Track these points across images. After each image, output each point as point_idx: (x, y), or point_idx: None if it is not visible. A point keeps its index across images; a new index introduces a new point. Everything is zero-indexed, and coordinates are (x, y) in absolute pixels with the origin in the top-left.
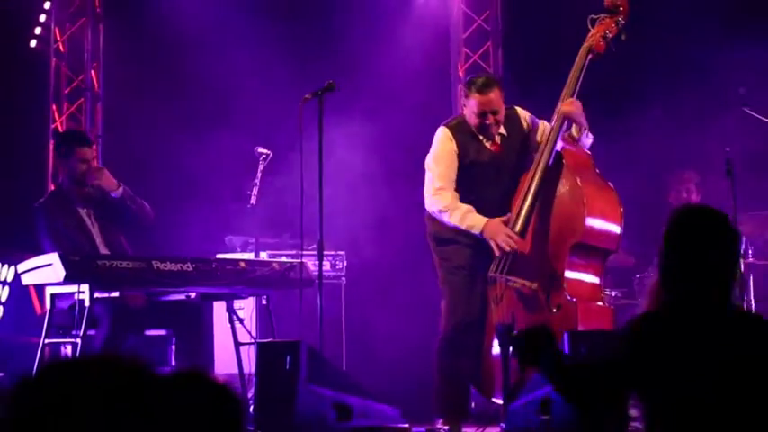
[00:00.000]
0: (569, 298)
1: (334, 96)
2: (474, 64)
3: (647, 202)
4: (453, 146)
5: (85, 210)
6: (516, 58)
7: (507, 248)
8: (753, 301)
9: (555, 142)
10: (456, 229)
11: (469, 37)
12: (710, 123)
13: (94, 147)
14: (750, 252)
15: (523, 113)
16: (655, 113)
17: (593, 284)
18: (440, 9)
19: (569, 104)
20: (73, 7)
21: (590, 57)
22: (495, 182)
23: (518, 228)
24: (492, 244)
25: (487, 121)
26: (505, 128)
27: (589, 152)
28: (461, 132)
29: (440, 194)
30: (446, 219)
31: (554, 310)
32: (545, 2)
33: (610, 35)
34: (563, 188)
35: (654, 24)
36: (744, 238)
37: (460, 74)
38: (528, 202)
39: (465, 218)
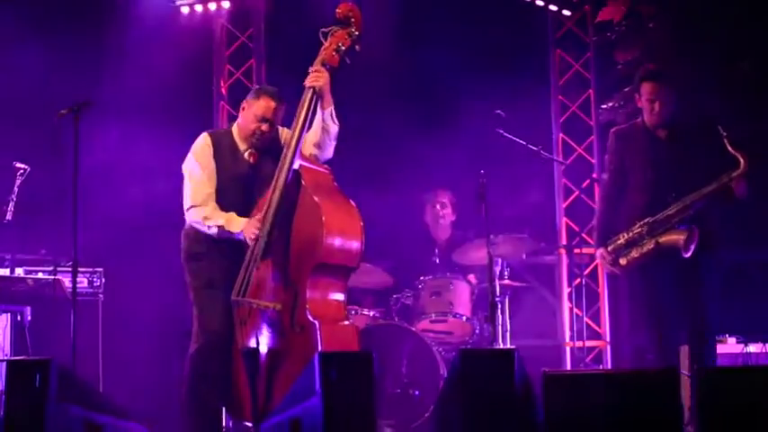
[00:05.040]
0: (311, 319)
1: (93, 110)
2: (237, 81)
3: (404, 223)
4: (210, 151)
5: None
6: (279, 74)
7: (252, 237)
8: (508, 321)
9: (300, 136)
10: (209, 243)
11: (233, 54)
12: (466, 145)
13: None
14: (506, 274)
15: (285, 132)
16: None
17: (336, 304)
18: (204, 26)
19: (317, 77)
20: None
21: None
22: (245, 193)
23: (260, 253)
24: (248, 240)
25: (263, 128)
26: (266, 143)
27: (328, 168)
28: (221, 139)
29: (197, 208)
30: (207, 229)
31: (297, 331)
32: (308, 19)
33: (343, 47)
34: (301, 208)
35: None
36: (500, 260)
37: (223, 90)
38: (268, 223)
39: (230, 222)
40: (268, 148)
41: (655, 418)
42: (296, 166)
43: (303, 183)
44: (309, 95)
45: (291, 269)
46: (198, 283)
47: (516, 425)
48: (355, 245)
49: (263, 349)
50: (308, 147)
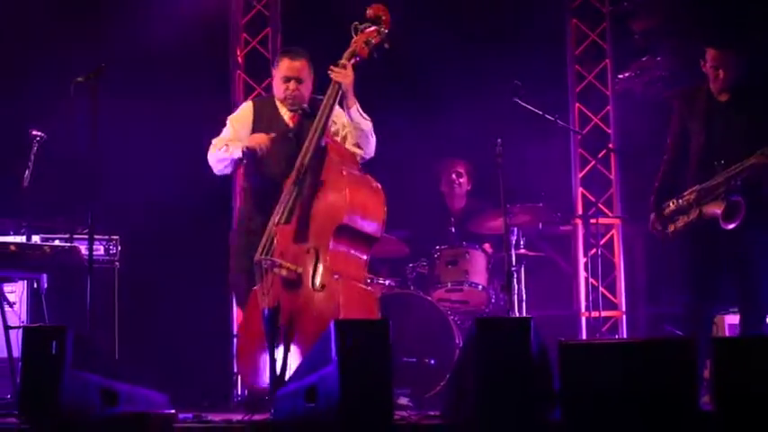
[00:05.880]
0: (333, 276)
1: (110, 77)
2: (253, 49)
3: (420, 193)
4: (250, 110)
5: None
6: (295, 44)
7: (259, 149)
8: (524, 291)
9: (327, 119)
10: (251, 215)
11: (249, 22)
12: (482, 114)
13: None
14: (522, 243)
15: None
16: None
17: (357, 265)
18: None
19: (344, 74)
20: None
21: (354, 61)
22: (285, 155)
23: (284, 217)
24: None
25: (290, 87)
26: (310, 106)
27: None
28: (264, 104)
29: (211, 146)
30: (212, 154)
31: (318, 288)
32: None
33: (373, 42)
34: (328, 177)
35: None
36: (515, 229)
37: (239, 59)
38: (295, 190)
39: (231, 144)
40: (310, 114)
41: (670, 387)
42: (323, 143)
43: (330, 156)
44: (335, 90)
45: (314, 233)
46: (233, 265)
47: (532, 394)
48: (378, 216)
49: (284, 314)
50: (351, 149)
